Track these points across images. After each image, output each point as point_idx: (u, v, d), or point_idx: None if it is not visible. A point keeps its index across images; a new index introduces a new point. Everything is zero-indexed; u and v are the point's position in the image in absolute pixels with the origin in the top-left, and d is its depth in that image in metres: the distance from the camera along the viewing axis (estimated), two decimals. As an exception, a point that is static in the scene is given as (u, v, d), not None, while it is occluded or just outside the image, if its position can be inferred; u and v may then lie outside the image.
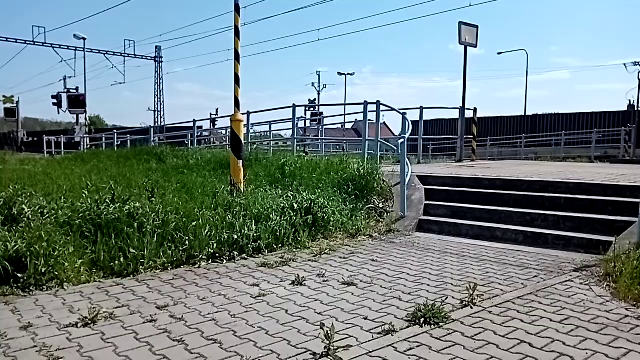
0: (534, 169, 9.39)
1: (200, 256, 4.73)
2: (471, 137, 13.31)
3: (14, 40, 37.27)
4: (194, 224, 4.97)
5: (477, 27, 13.12)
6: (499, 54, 38.68)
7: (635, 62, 33.86)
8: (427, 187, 7.55)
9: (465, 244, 5.68)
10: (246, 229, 5.17)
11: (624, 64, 35.28)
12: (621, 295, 3.72)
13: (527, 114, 30.88)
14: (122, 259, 4.33)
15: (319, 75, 50.14)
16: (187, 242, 4.75)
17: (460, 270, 4.51)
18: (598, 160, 17.78)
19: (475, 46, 13.27)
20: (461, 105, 12.92)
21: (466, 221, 6.38)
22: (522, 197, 6.64)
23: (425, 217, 6.72)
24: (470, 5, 21.38)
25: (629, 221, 5.23)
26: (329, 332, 2.76)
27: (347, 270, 4.53)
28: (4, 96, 39.24)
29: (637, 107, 29.24)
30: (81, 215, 4.84)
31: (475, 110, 13.32)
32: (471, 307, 3.50)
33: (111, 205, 5.01)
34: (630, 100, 31.63)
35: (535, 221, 6.01)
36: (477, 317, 3.33)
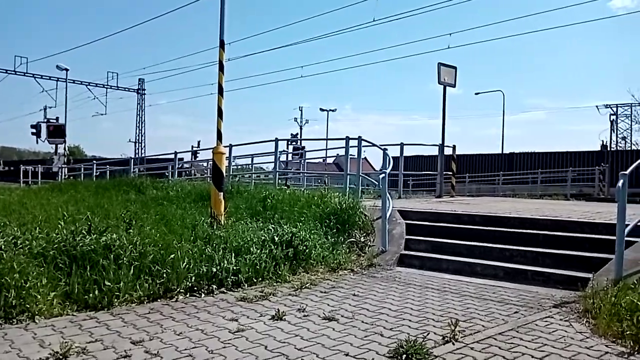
0: (512, 206, 9.53)
1: (178, 289, 4.62)
2: (450, 173, 13.50)
3: (-5, 70, 36.98)
4: (172, 256, 4.87)
5: (455, 68, 13.52)
6: (477, 94, 39.92)
7: (607, 105, 35.21)
8: (407, 221, 7.58)
9: (446, 279, 5.68)
10: (225, 262, 5.09)
11: (597, 107, 36.55)
12: (601, 331, 3.73)
13: (504, 152, 31.59)
14: (96, 292, 4.20)
15: (301, 110, 50.77)
16: (164, 275, 4.65)
17: (441, 306, 4.49)
18: (574, 198, 18.14)
19: (454, 86, 13.65)
20: (440, 143, 13.16)
21: (447, 256, 6.39)
22: (501, 233, 6.71)
23: (407, 252, 6.72)
24: (449, 47, 22.03)
25: (605, 258, 5.30)
26: (310, 368, 2.70)
27: (328, 304, 4.47)
28: None
29: (610, 147, 30.20)
30: (56, 246, 4.71)
31: (454, 147, 13.57)
32: (453, 343, 3.47)
33: (87, 237, 4.90)
34: (603, 141, 32.77)
35: (514, 257, 6.05)
36: (459, 353, 3.30)
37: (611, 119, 35.12)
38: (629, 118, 35.15)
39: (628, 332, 3.52)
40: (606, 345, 3.48)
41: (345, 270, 5.99)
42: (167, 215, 7.15)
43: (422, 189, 21.85)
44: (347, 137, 10.71)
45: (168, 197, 9.53)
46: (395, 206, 8.06)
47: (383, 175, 7.58)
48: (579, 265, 5.50)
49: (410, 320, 4.02)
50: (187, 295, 4.62)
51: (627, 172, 5.10)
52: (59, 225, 5.37)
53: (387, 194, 7.34)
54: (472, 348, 3.39)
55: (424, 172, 19.89)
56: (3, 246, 4.54)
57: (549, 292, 5.07)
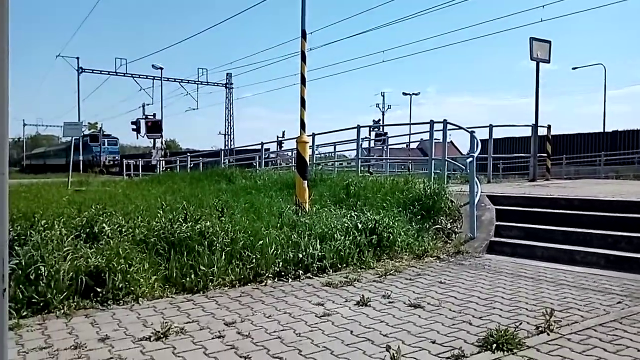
0: (615, 189, 8.78)
1: (267, 274, 4.80)
2: (545, 155, 12.70)
3: (99, 72, 40.41)
4: (260, 242, 5.07)
5: (549, 42, 12.60)
6: (574, 69, 36.84)
7: None
8: (497, 207, 7.26)
9: (540, 267, 5.38)
10: (311, 248, 5.20)
11: None
12: None
13: (606, 130, 29.08)
14: (192, 276, 4.48)
15: (383, 96, 50.08)
16: (254, 260, 4.85)
17: (535, 295, 4.26)
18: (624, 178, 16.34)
19: (549, 62, 12.73)
20: (534, 123, 12.38)
21: (541, 243, 6.05)
22: (603, 218, 6.21)
23: (496, 239, 6.45)
24: (541, 20, 20.50)
25: None
26: (395, 354, 2.70)
27: (413, 292, 4.42)
28: (89, 123, 45.16)
29: None
30: (156, 233, 5.08)
31: (549, 127, 12.74)
32: (548, 334, 3.29)
33: (184, 224, 5.23)
34: None
35: (618, 244, 5.59)
36: (554, 344, 3.12)
37: None
38: None
39: None
40: None
41: (431, 257, 5.88)
42: (256, 203, 7.43)
43: (513, 173, 20.75)
44: (431, 120, 10.44)
45: (256, 186, 9.89)
46: (484, 191, 7.75)
47: (470, 159, 7.32)
48: (696, 252, 4.97)
49: (500, 309, 3.86)
50: (275, 280, 4.79)
51: None
52: (158, 214, 5.77)
53: (475, 179, 7.07)
54: (569, 339, 3.20)
55: (515, 155, 18.87)
56: (110, 233, 4.99)
57: (660, 281, 4.63)
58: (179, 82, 42.37)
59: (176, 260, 4.63)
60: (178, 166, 24.32)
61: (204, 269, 4.57)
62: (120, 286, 4.07)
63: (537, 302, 4.05)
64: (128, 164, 29.90)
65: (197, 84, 42.93)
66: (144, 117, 38.12)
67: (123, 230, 5.19)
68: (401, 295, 4.30)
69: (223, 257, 4.76)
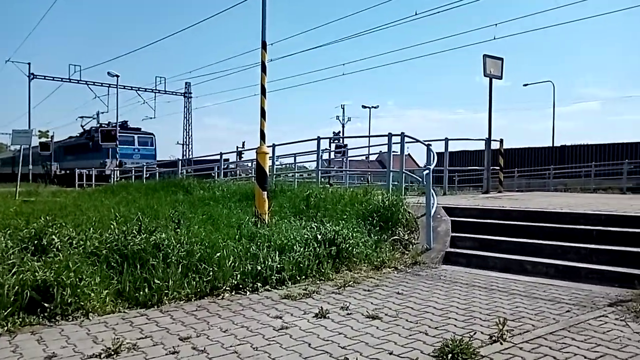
0: (563, 201, 9.17)
1: (224, 287, 4.72)
2: (498, 168, 13.13)
3: (52, 78, 38.97)
4: (218, 255, 4.98)
5: (502, 59, 13.11)
6: (525, 85, 38.50)
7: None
8: (453, 218, 7.43)
9: (493, 277, 5.53)
10: (270, 260, 5.16)
11: (655, 94, 34.50)
12: (661, 332, 3.53)
13: (555, 145, 30.40)
14: (146, 290, 4.35)
15: (343, 108, 50.63)
16: (211, 273, 4.76)
17: (488, 305, 4.37)
18: (630, 192, 17.25)
19: (501, 78, 13.22)
20: (487, 137, 12.81)
21: (495, 254, 6.22)
22: (553, 229, 6.47)
23: (452, 250, 6.59)
24: (494, 38, 21.36)
25: (666, 254, 5.02)
26: (353, 366, 2.69)
27: (371, 303, 4.44)
28: (39, 131, 40.90)
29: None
30: (108, 245, 4.91)
31: (501, 141, 13.18)
32: (501, 343, 3.37)
33: (138, 236, 5.08)
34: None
35: (567, 254, 5.82)
36: (507, 353, 3.21)
37: (672, 107, 33.15)
38: (692, 106, 33.04)
39: (692, 333, 3.31)
40: (667, 347, 3.29)
41: (389, 268, 5.94)
42: (214, 214, 7.32)
43: (468, 185, 21.35)
44: (389, 133, 10.62)
45: (214, 197, 9.75)
46: (440, 203, 7.92)
47: (427, 171, 7.47)
48: (637, 262, 5.23)
49: (456, 319, 3.94)
50: (233, 293, 4.71)
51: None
52: (112, 226, 5.59)
53: (432, 191, 7.22)
54: (520, 348, 3.29)
55: (470, 168, 19.44)
56: (60, 246, 4.79)
57: (604, 290, 4.84)
58: (136, 90, 41.38)
59: (129, 273, 4.49)
60: (133, 176, 23.67)
61: (158, 282, 4.44)
62: (69, 301, 3.90)
63: (491, 311, 4.15)
64: (81, 173, 28.89)
65: (155, 93, 42.05)
66: (98, 125, 37.02)
67: (73, 242, 5.00)
68: (359, 306, 4.32)
69: (179, 270, 4.65)
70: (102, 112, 39.22)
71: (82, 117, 41.90)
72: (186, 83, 46.74)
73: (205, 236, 5.49)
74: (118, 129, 32.11)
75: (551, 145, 30.62)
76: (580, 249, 5.80)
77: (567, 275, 5.43)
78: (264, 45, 7.31)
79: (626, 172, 20.64)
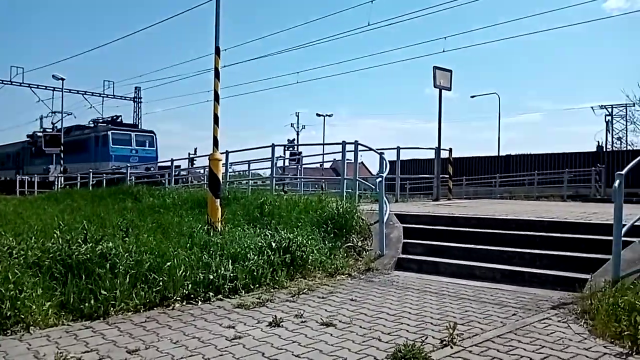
0: (509, 208, 9.53)
1: (175, 297, 4.59)
2: (447, 176, 13.51)
3: (-9, 80, 36.89)
4: (168, 264, 4.84)
5: (450, 71, 13.54)
6: (472, 97, 39.98)
7: (602, 106, 35.36)
8: (405, 225, 7.57)
9: (444, 282, 5.66)
10: (222, 268, 5.07)
11: (592, 108, 36.74)
12: (599, 332, 3.72)
13: (501, 154, 31.63)
14: (92, 301, 4.17)
15: (298, 116, 50.91)
16: (161, 283, 4.61)
17: (439, 309, 4.47)
18: (570, 199, 18.16)
19: (450, 89, 13.65)
20: (437, 146, 13.17)
21: (445, 259, 6.38)
22: (499, 235, 6.71)
23: (404, 256, 6.71)
24: (444, 51, 22.08)
25: (603, 258, 5.29)
26: (307, 374, 2.68)
27: (325, 310, 4.45)
28: None
29: (605, 148, 30.31)
30: (51, 255, 4.68)
31: (450, 150, 13.59)
32: (451, 347, 3.45)
33: (83, 246, 4.86)
34: (598, 142, 32.88)
35: (512, 259, 6.05)
36: (457, 356, 3.29)
37: (606, 120, 35.35)
38: (624, 118, 35.30)
39: (626, 333, 3.51)
40: (604, 346, 3.47)
41: (343, 275, 5.98)
42: (164, 222, 7.14)
43: (419, 193, 21.83)
44: (343, 141, 10.74)
45: (165, 204, 9.51)
46: (392, 210, 8.05)
47: (380, 179, 7.58)
48: (577, 266, 5.49)
49: (408, 325, 4.00)
50: (184, 303, 4.60)
51: (624, 172, 5.09)
52: (55, 235, 5.33)
53: (384, 198, 7.34)
54: (470, 351, 3.38)
55: (421, 176, 19.91)
56: (-2, 256, 4.52)
57: (547, 293, 5.06)
58: (83, 94, 39.81)
59: (74, 284, 4.29)
60: (79, 183, 22.73)
61: (105, 293, 4.26)
62: (8, 314, 3.68)
63: (442, 316, 4.24)
64: (22, 179, 27.46)
65: (103, 97, 40.60)
66: (41, 130, 35.33)
67: (13, 252, 4.72)
68: (314, 314, 4.31)
69: (127, 280, 4.48)
70: (46, 116, 37.42)
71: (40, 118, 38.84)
72: (136, 87, 45.42)
73: (155, 245, 5.34)
74: (110, 125, 28.15)
75: (497, 154, 31.83)
76: (525, 254, 6.04)
77: (513, 280, 5.63)
78: (217, 51, 7.23)
79: (566, 180, 21.73)
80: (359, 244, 7.09)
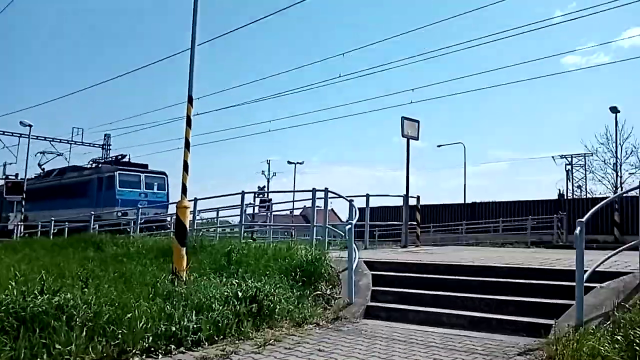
0: (475, 255, 9.65)
1: (134, 351, 4.40)
2: (415, 223, 13.66)
3: (-47, 126, 35.89)
4: (129, 315, 4.67)
5: (418, 121, 13.97)
6: (439, 146, 41.14)
7: (562, 155, 36.78)
8: (374, 272, 7.55)
9: (412, 330, 5.62)
10: (186, 320, 4.90)
11: (552, 157, 38.13)
12: (564, 378, 3.73)
13: (467, 201, 32.29)
14: (45, 356, 3.95)
15: (269, 163, 50.82)
16: (120, 336, 4.43)
17: (407, 358, 4.42)
18: (534, 246, 18.53)
19: (417, 139, 14.03)
20: (405, 194, 13.38)
21: (413, 307, 6.36)
22: (466, 281, 6.75)
23: (373, 303, 6.65)
24: (411, 102, 22.83)
25: (566, 304, 5.38)
26: None
27: (292, 361, 4.33)
28: None
29: (566, 195, 31.35)
30: (4, 308, 4.44)
31: (418, 198, 13.81)
32: (419, 397, 3.39)
33: (39, 297, 4.65)
34: (559, 190, 33.96)
35: (479, 306, 6.07)
36: (425, 407, 3.22)
37: (567, 169, 36.58)
38: (583, 168, 36.74)
39: (590, 378, 3.53)
40: (570, 393, 3.47)
41: (310, 324, 5.86)
42: (126, 272, 6.93)
43: (388, 239, 21.92)
44: (313, 188, 10.79)
45: (128, 253, 9.25)
46: (361, 257, 8.04)
47: (349, 226, 7.61)
48: (542, 312, 5.54)
49: (376, 375, 3.92)
50: (144, 357, 4.40)
51: (584, 219, 5.27)
52: (10, 286, 5.08)
53: (354, 245, 7.34)
54: (438, 401, 3.33)
55: (389, 223, 20.07)
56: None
57: (513, 339, 5.07)
58: (50, 141, 39.05)
59: (26, 338, 4.07)
60: (39, 232, 21.90)
61: (59, 347, 4.05)
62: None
63: (410, 365, 4.19)
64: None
65: (71, 144, 39.93)
66: (4, 177, 34.29)
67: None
68: (280, 366, 4.19)
69: (84, 333, 4.28)
70: (10, 163, 36.35)
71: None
72: (105, 135, 45.00)
73: (116, 296, 5.16)
74: (115, 166, 24.64)
75: (463, 202, 32.47)
76: (492, 301, 6.08)
77: (480, 326, 5.64)
78: (190, 100, 7.29)
79: (530, 227, 22.25)
80: (328, 292, 7.01)
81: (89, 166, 29.16)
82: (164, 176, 26.17)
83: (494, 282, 6.55)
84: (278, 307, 5.90)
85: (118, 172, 24.50)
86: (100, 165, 27.89)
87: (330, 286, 7.18)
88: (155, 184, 25.55)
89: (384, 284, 7.17)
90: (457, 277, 6.94)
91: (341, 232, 10.26)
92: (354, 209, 9.33)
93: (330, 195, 10.82)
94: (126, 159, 27.46)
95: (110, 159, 28.68)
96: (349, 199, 10.17)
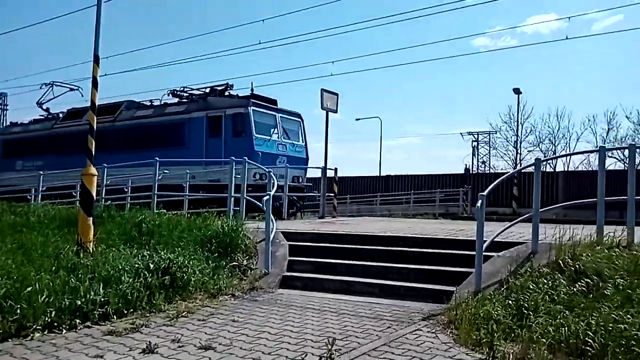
0: (388, 225, 10.06)
1: (35, 326, 4.14)
2: (332, 194, 13.94)
3: None
4: (29, 289, 4.36)
5: (337, 94, 14.10)
6: (357, 119, 42.02)
7: (469, 132, 39.06)
8: (291, 243, 7.64)
9: (326, 299, 5.79)
10: (92, 293, 4.68)
11: (461, 134, 40.42)
12: (462, 340, 4.05)
13: (381, 174, 33.45)
14: None
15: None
16: (18, 311, 4.14)
17: (320, 326, 4.55)
18: (442, 217, 19.70)
19: (336, 112, 14.19)
20: (323, 165, 13.57)
21: (328, 276, 6.54)
22: (378, 251, 7.04)
23: (289, 273, 6.75)
24: (331, 75, 23.03)
25: (467, 272, 5.79)
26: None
27: (205, 333, 4.30)
28: None
29: (472, 170, 33.48)
30: None
31: (335, 170, 14.08)
32: (328, 363, 3.52)
33: None
34: (466, 165, 36.15)
35: (389, 274, 6.37)
36: (335, 372, 3.36)
37: (473, 145, 39.02)
38: (488, 144, 39.33)
39: (484, 340, 3.86)
40: (466, 354, 3.78)
41: (226, 295, 5.84)
42: (26, 243, 6.44)
43: (306, 210, 22.24)
44: (232, 158, 10.58)
45: (28, 223, 8.59)
46: (279, 228, 8.08)
47: (267, 197, 7.58)
48: (446, 279, 5.93)
49: (289, 343, 4.01)
50: (45, 333, 4.16)
51: (485, 193, 5.68)
52: None
53: (271, 216, 7.35)
54: (347, 366, 3.47)
55: (308, 194, 20.31)
56: None
57: (420, 306, 5.40)
58: None
59: None
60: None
61: (-54, 326, 3.71)
62: None
63: (322, 332, 4.32)
64: None
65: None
66: None
67: None
68: (192, 338, 4.14)
69: (-25, 309, 3.95)
70: None
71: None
72: (1, 93, 40.98)
73: (15, 269, 4.79)
74: (246, 99, 15.56)
75: (379, 174, 33.60)
76: (401, 269, 6.40)
77: (389, 294, 5.93)
78: (96, 60, 6.80)
79: (438, 200, 23.59)
80: (245, 263, 7.00)
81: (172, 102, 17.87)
82: (300, 120, 17.46)
83: (405, 252, 6.89)
84: (192, 279, 5.80)
85: (252, 107, 15.38)
86: (195, 99, 17.18)
87: (247, 257, 7.17)
88: (293, 130, 17.08)
89: (301, 254, 7.29)
90: (370, 247, 7.22)
91: (259, 203, 10.21)
92: (272, 180, 9.31)
93: (248, 166, 10.68)
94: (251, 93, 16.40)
95: (205, 90, 17.21)
96: (267, 169, 10.13)
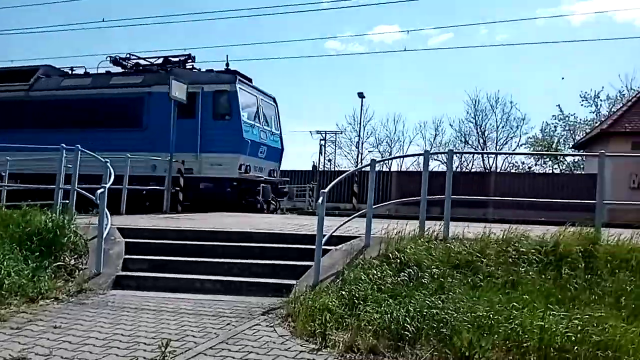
0: (235, 220, 9.99)
1: None
2: (178, 189, 13.39)
3: None
4: None
5: (187, 84, 13.51)
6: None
7: (318, 131, 40.81)
8: (128, 240, 7.14)
9: (165, 298, 5.53)
10: None
11: (310, 132, 41.94)
12: (299, 332, 4.20)
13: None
14: None
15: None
16: None
17: (155, 327, 4.34)
18: (289, 212, 20.25)
19: (185, 101, 13.60)
20: (169, 158, 12.95)
21: (167, 274, 6.26)
22: (223, 247, 6.94)
23: (124, 273, 6.31)
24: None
25: (308, 265, 6.01)
26: None
27: (19, 343, 3.82)
28: None
29: (318, 167, 35.04)
30: None
31: (182, 162, 13.52)
32: (162, 366, 3.38)
33: None
34: (314, 162, 37.71)
35: (232, 270, 6.32)
36: (167, 375, 3.23)
37: (320, 144, 40.84)
38: (334, 143, 41.52)
39: (318, 330, 4.06)
40: (301, 345, 3.93)
41: (48, 299, 5.25)
42: None
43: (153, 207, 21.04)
44: (61, 146, 9.50)
45: None
46: (115, 224, 7.50)
47: (102, 190, 6.98)
48: (289, 273, 6.09)
49: (118, 348, 3.76)
50: None
51: (326, 190, 5.97)
52: None
53: (106, 211, 6.78)
54: (181, 367, 3.37)
55: (151, 187, 19.24)
56: None
57: (261, 300, 5.46)
58: None
59: None
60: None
61: None
62: None
63: (157, 334, 4.13)
64: None
65: None
66: None
67: None
68: (2, 350, 3.64)
69: None
70: None
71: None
72: None
73: None
74: (231, 74, 13.00)
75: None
76: (245, 265, 6.41)
77: (232, 290, 5.89)
78: None
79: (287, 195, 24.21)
80: (72, 262, 6.38)
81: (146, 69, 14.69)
82: (276, 104, 15.44)
83: (249, 247, 6.90)
84: (7, 282, 5.13)
85: (239, 84, 13.07)
86: (166, 68, 14.04)
87: (76, 256, 6.54)
88: (271, 116, 14.98)
89: (138, 252, 6.85)
90: (214, 243, 7.08)
91: (91, 196, 9.33)
92: (108, 171, 8.60)
93: (84, 154, 9.70)
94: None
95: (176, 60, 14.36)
96: (103, 159, 9.33)
